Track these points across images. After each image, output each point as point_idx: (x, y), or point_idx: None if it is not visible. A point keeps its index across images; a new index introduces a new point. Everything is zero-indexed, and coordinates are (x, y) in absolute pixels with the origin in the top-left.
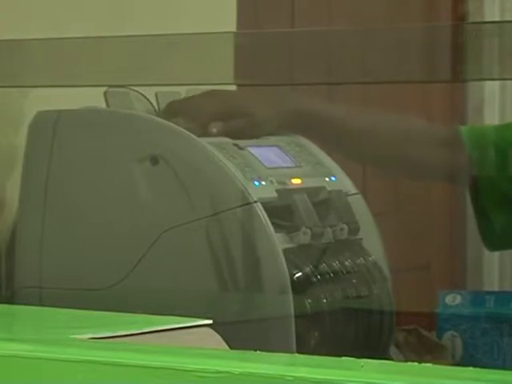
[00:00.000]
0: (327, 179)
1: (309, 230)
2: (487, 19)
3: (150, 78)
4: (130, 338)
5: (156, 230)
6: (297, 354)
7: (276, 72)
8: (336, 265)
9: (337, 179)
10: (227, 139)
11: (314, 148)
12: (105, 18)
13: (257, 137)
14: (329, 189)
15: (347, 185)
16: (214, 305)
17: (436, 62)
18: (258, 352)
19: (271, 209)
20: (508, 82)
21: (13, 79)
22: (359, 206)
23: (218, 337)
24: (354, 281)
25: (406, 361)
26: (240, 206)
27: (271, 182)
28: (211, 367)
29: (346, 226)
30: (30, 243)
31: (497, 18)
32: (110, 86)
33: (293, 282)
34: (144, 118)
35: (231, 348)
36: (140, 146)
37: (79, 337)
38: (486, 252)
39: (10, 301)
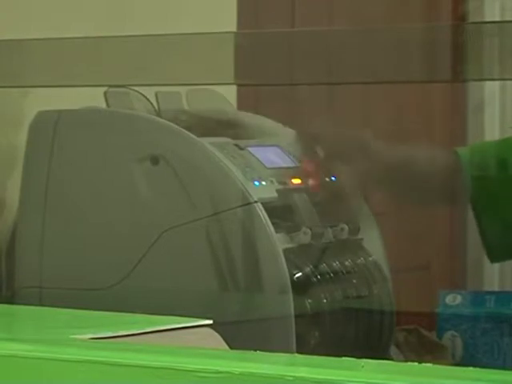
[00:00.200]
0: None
1: (309, 230)
2: (487, 19)
3: (150, 77)
4: (131, 338)
5: (156, 230)
6: (297, 354)
7: (276, 72)
8: (336, 265)
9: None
10: (227, 139)
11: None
12: (105, 18)
13: None
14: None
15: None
16: (214, 305)
17: (436, 61)
18: (258, 352)
19: (271, 209)
20: (508, 82)
21: (13, 79)
22: (359, 205)
23: (218, 337)
24: (354, 281)
25: (407, 361)
26: (240, 206)
27: (271, 181)
28: (212, 367)
29: (346, 226)
30: (30, 243)
31: (497, 18)
32: (110, 86)
33: (293, 282)
34: (144, 117)
35: (231, 348)
36: (140, 145)
37: (79, 337)
38: None
39: (10, 301)
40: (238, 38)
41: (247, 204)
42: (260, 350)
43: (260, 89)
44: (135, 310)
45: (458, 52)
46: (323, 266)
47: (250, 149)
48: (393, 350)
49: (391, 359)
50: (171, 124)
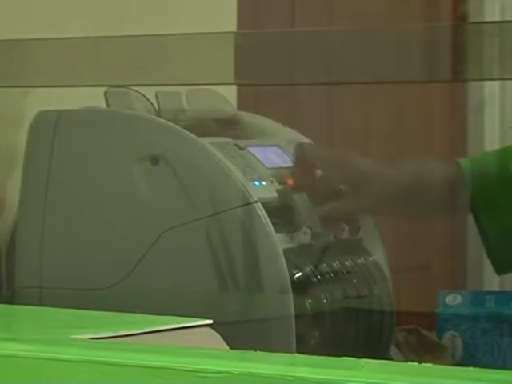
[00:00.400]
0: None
1: (309, 230)
2: (487, 19)
3: (150, 77)
4: (131, 338)
5: (156, 230)
6: (297, 354)
7: (276, 72)
8: (336, 265)
9: None
10: (227, 139)
11: None
12: (105, 18)
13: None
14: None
15: None
16: (213, 305)
17: (436, 61)
18: (258, 352)
19: (271, 209)
20: (508, 82)
21: (13, 79)
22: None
23: (218, 337)
24: (355, 281)
25: (407, 361)
26: (240, 206)
27: (271, 181)
28: (212, 367)
29: (346, 226)
30: (30, 243)
31: (497, 18)
32: (110, 86)
33: (293, 282)
34: (144, 117)
35: (231, 348)
36: (140, 145)
37: (79, 337)
38: None
39: (10, 301)
40: (238, 38)
41: (247, 204)
42: (260, 350)
43: (260, 89)
44: (135, 310)
45: (458, 52)
46: (323, 266)
47: (250, 149)
48: (393, 349)
49: (391, 359)
50: (171, 124)
